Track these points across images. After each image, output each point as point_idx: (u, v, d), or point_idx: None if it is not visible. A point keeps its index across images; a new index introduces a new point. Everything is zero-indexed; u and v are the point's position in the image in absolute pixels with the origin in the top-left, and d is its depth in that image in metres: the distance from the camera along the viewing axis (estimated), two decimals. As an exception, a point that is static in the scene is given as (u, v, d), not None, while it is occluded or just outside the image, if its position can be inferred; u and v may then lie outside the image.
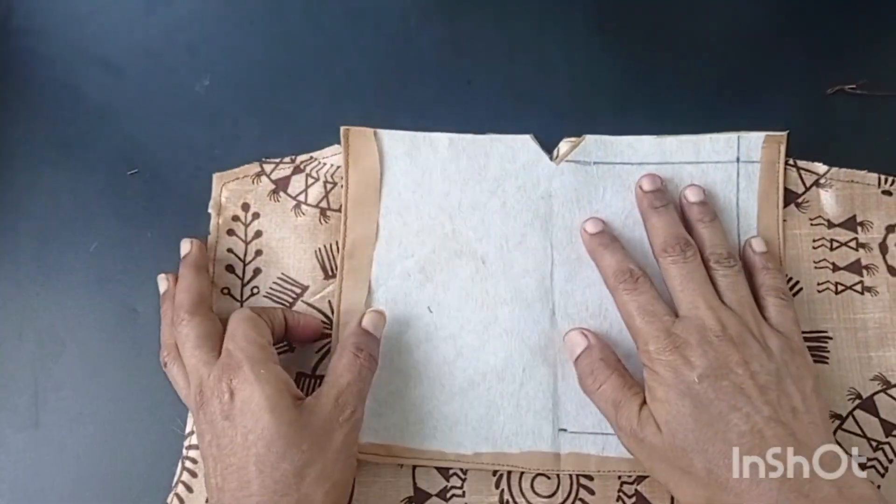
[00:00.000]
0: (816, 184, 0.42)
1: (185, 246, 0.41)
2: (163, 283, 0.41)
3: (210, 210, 0.43)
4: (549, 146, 0.43)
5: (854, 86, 0.44)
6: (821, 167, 0.42)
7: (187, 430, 0.40)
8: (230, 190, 0.44)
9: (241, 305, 0.42)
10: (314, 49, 0.46)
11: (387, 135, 0.43)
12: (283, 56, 0.46)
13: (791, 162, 0.42)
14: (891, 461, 0.38)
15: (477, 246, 0.41)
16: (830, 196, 0.42)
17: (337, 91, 0.45)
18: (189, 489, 0.39)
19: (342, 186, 0.43)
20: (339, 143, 0.43)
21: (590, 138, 0.43)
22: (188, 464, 0.39)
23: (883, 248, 0.41)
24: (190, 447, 0.39)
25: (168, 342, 0.38)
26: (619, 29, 0.46)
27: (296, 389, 0.35)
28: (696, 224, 0.39)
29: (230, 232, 0.43)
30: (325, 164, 0.44)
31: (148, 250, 0.43)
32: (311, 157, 0.44)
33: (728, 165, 0.42)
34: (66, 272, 0.43)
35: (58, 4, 0.48)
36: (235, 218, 0.43)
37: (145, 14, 0.47)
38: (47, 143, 0.45)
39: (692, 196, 0.40)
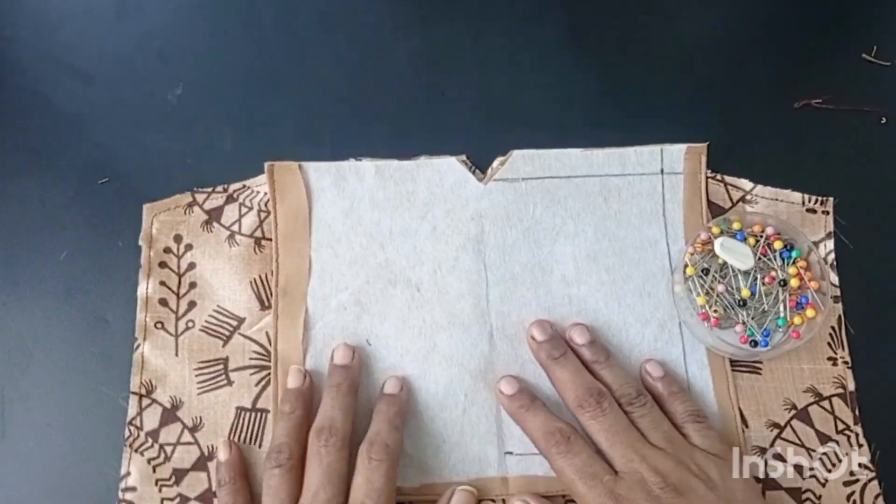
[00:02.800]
0: (742, 200, 0.43)
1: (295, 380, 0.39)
2: (295, 378, 0.39)
3: (141, 242, 0.42)
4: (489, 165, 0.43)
5: (820, 100, 0.45)
6: (747, 184, 0.43)
7: (122, 471, 0.38)
8: (161, 221, 0.42)
9: (176, 340, 0.40)
10: (288, 58, 0.46)
11: (312, 167, 0.43)
12: (256, 65, 0.46)
13: (718, 177, 0.43)
14: (829, 471, 0.39)
15: (410, 273, 0.41)
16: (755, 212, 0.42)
17: (310, 100, 0.45)
18: None
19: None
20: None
21: (517, 154, 0.43)
22: None
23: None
24: (126, 489, 0.38)
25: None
26: (592, 42, 0.47)
27: None
28: (592, 366, 0.38)
29: (162, 264, 0.42)
30: (258, 192, 0.43)
31: (118, 260, 0.42)
32: (244, 186, 0.43)
33: (653, 177, 0.42)
34: (35, 281, 0.42)
35: (28, 11, 0.47)
36: (167, 250, 0.42)
37: (117, 21, 0.47)
38: (16, 151, 0.44)
39: (579, 338, 0.39)
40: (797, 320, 0.39)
